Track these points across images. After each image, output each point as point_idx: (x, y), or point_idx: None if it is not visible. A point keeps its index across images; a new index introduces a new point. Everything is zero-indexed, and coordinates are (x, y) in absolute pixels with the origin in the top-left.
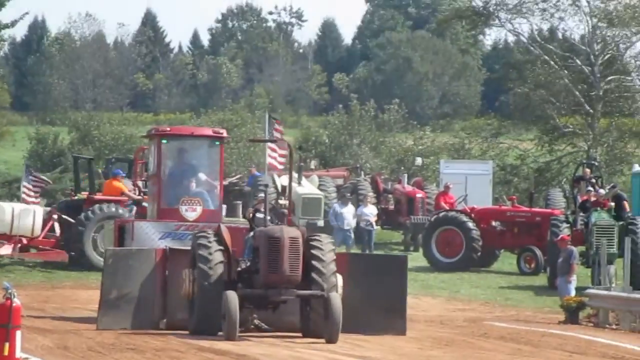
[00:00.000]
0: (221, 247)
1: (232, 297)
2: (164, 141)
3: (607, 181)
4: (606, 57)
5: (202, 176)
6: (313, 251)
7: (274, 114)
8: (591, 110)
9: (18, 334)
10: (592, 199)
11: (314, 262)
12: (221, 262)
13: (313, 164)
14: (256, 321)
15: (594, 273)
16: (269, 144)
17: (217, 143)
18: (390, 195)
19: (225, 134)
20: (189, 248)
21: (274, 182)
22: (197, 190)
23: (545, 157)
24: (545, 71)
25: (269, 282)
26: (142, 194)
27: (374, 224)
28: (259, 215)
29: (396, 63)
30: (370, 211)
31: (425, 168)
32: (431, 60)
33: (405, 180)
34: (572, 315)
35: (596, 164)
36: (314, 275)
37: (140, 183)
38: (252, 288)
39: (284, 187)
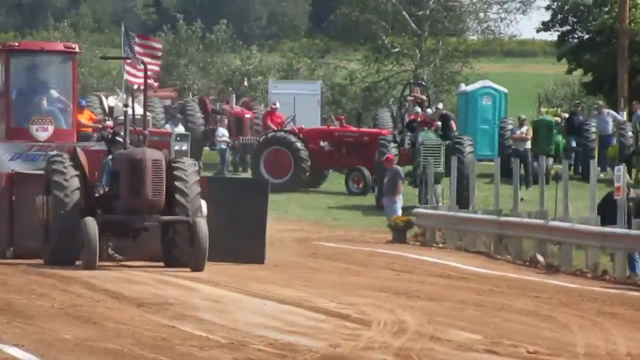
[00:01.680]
0: (77, 172)
1: (92, 223)
2: (12, 57)
3: (434, 101)
4: None
5: (54, 93)
6: (176, 172)
7: (96, 34)
8: (419, 30)
9: None
10: (419, 118)
11: (177, 186)
12: (78, 188)
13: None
14: (110, 251)
15: (421, 192)
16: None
17: (70, 58)
18: (218, 116)
19: (77, 49)
20: (40, 172)
21: (100, 102)
22: (49, 109)
23: (373, 77)
24: None
25: (131, 208)
26: None
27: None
28: (118, 138)
29: None
30: (224, 132)
31: (254, 88)
32: None
33: (234, 100)
34: (399, 234)
35: (423, 83)
36: (178, 199)
37: None
38: (113, 214)
39: (110, 108)
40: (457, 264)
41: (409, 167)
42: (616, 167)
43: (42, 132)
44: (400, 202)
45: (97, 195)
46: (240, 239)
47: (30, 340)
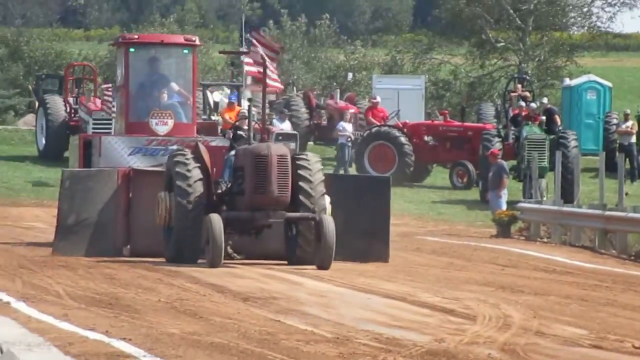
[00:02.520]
0: (199, 165)
1: (217, 220)
2: (131, 50)
3: (538, 95)
4: None
5: (174, 87)
6: (300, 171)
7: (202, 30)
8: (522, 25)
9: None
10: (524, 113)
11: (301, 183)
12: (200, 179)
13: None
14: (229, 249)
15: (526, 187)
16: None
17: (189, 51)
18: (323, 111)
19: (198, 41)
20: (158, 169)
21: (205, 97)
22: (169, 103)
23: (477, 72)
24: None
25: (256, 204)
26: (73, 112)
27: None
28: (240, 132)
29: None
30: (347, 126)
31: (358, 83)
32: None
33: (338, 95)
34: (503, 229)
35: (527, 78)
36: (302, 197)
37: (71, 100)
38: (236, 211)
39: (216, 104)
40: (562, 258)
41: (513, 162)
42: None
43: (162, 126)
44: (505, 196)
45: (219, 191)
46: (364, 237)
47: (138, 335)
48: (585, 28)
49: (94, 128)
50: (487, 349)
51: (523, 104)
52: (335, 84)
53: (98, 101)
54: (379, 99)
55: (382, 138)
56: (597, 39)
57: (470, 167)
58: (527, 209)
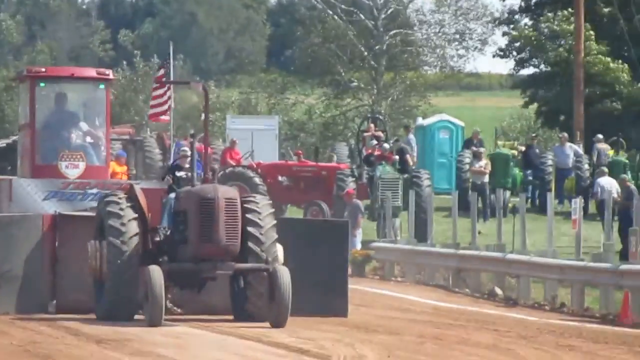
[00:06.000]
0: (136, 215)
1: (157, 273)
2: (41, 84)
3: (391, 135)
4: (389, 11)
5: (84, 126)
6: (249, 216)
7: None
8: (375, 65)
9: None
10: (377, 152)
11: (251, 229)
12: (137, 234)
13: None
14: (169, 304)
15: (379, 226)
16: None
17: (102, 86)
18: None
19: (111, 75)
20: (84, 214)
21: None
22: (79, 143)
23: (331, 112)
24: (330, 26)
25: (202, 254)
26: None
27: None
28: (181, 173)
29: (181, 19)
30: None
31: (212, 124)
32: (216, 16)
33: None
34: (358, 268)
35: (381, 117)
36: (251, 245)
37: None
38: (177, 261)
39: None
40: (416, 297)
41: (367, 202)
42: (573, 200)
43: (73, 170)
44: (359, 236)
45: (157, 239)
46: (319, 289)
47: None
48: (438, 68)
49: None
50: None
51: (375, 142)
52: (189, 124)
53: None
54: (237, 140)
55: (237, 179)
56: (449, 78)
57: (325, 206)
58: (381, 249)
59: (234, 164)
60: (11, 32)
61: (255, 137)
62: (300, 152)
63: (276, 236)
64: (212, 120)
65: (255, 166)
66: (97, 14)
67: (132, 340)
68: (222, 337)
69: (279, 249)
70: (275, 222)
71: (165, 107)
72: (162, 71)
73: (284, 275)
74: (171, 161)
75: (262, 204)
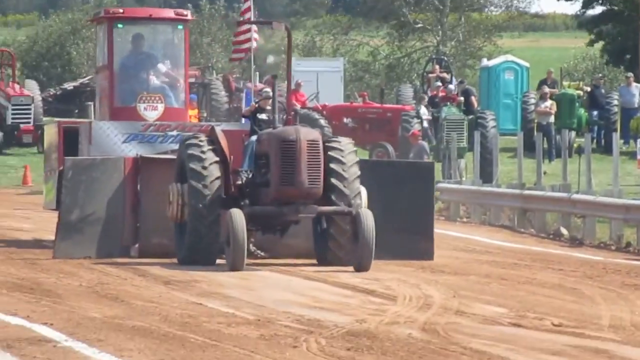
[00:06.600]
0: (217, 158)
1: (239, 216)
2: (119, 25)
3: (457, 76)
4: None
5: (163, 67)
6: (333, 159)
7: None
8: (440, 6)
9: None
10: (442, 94)
11: (334, 172)
12: (218, 177)
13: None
14: (252, 247)
15: (445, 167)
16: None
17: (181, 27)
18: (242, 94)
19: (189, 16)
20: (165, 156)
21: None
22: (158, 85)
23: (396, 54)
24: None
25: (284, 197)
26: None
27: None
28: (262, 116)
29: None
30: None
31: (277, 66)
32: None
33: (257, 78)
34: None
35: (445, 59)
36: (335, 188)
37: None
38: (259, 205)
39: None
40: (481, 238)
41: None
42: (638, 140)
43: (151, 112)
44: None
45: (239, 182)
46: (404, 233)
47: (59, 319)
48: (503, 8)
49: (13, 114)
50: (407, 328)
51: (440, 84)
52: (254, 66)
53: (17, 87)
54: (302, 82)
55: (302, 120)
56: (515, 19)
57: (390, 148)
58: (447, 189)
59: (299, 106)
60: None
61: (320, 79)
62: (365, 93)
63: (359, 174)
64: (278, 62)
65: (320, 108)
66: None
67: (200, 281)
68: (287, 277)
69: (363, 191)
70: (357, 160)
71: (246, 45)
72: (248, 11)
73: (368, 218)
74: (243, 103)
75: (346, 147)
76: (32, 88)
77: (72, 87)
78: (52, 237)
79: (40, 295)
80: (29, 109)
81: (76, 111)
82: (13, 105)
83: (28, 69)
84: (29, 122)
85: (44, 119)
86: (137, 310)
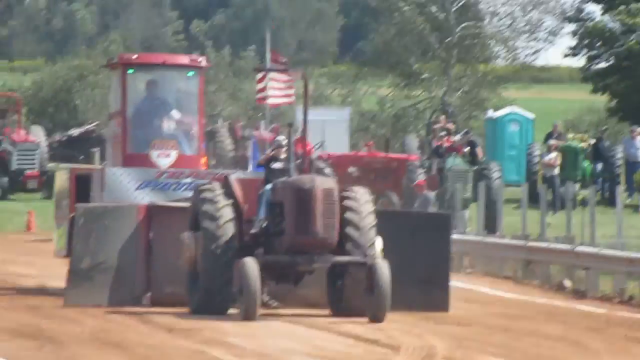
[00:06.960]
0: (231, 201)
1: (252, 265)
2: (130, 71)
3: (462, 127)
4: (460, 3)
5: (176, 114)
6: (348, 208)
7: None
8: (447, 57)
9: None
10: (447, 144)
11: (350, 222)
12: (231, 219)
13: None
14: (265, 297)
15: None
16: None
17: (195, 73)
18: (248, 142)
19: (205, 63)
20: (181, 204)
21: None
22: (171, 132)
23: (402, 103)
24: (405, 18)
25: (298, 246)
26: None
27: None
28: (277, 165)
29: (254, 9)
30: None
31: (283, 115)
32: (287, 7)
33: (263, 126)
34: None
35: (450, 110)
36: (350, 238)
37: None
38: (274, 254)
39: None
40: (485, 288)
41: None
42: None
43: (164, 159)
44: None
45: (253, 231)
46: (420, 284)
47: None
48: (509, 60)
49: (18, 159)
50: None
51: (445, 134)
52: (260, 114)
53: (23, 132)
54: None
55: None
56: (520, 72)
57: (395, 198)
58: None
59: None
60: (85, 22)
61: (327, 128)
62: (371, 143)
63: (375, 223)
64: (283, 111)
65: (325, 157)
66: (170, 4)
67: (204, 329)
68: (292, 326)
69: (378, 240)
70: (373, 209)
71: (272, 92)
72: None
73: (384, 268)
74: (250, 151)
75: (362, 197)
76: (37, 134)
77: (77, 134)
78: (56, 284)
79: (42, 341)
80: (34, 155)
81: (81, 157)
82: (18, 150)
83: (34, 115)
84: (34, 168)
85: (49, 164)
86: (140, 358)
